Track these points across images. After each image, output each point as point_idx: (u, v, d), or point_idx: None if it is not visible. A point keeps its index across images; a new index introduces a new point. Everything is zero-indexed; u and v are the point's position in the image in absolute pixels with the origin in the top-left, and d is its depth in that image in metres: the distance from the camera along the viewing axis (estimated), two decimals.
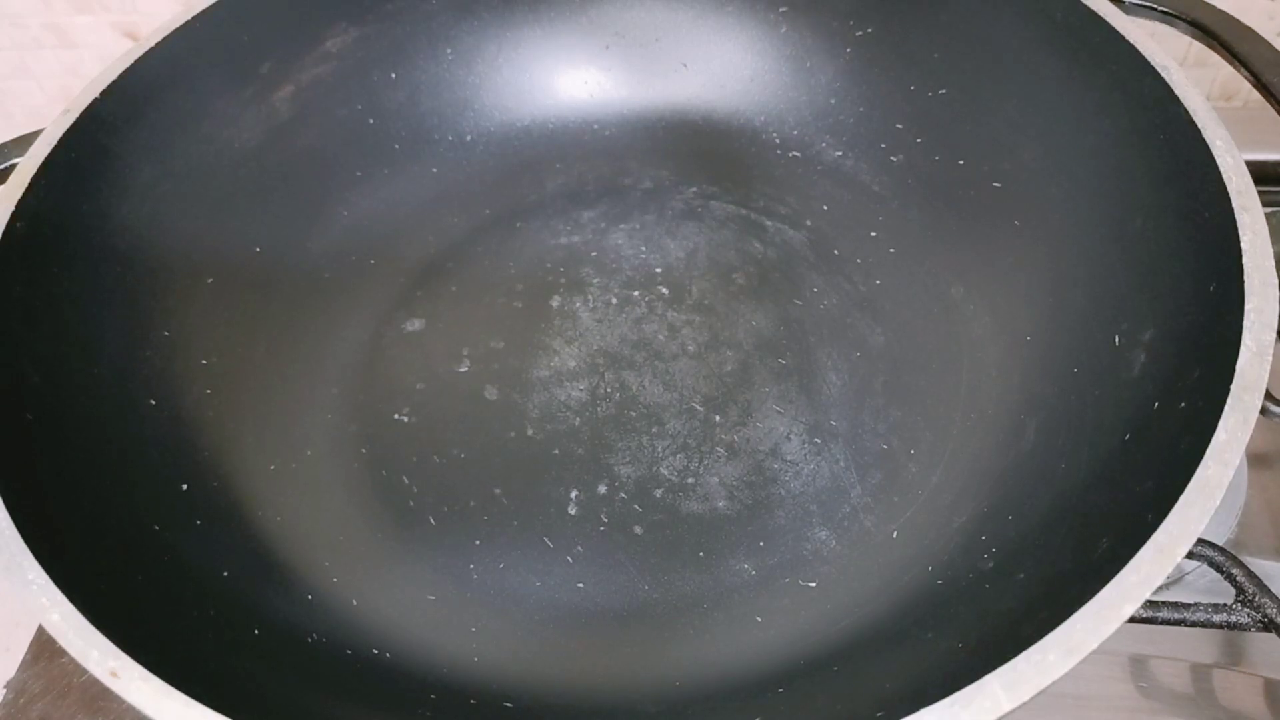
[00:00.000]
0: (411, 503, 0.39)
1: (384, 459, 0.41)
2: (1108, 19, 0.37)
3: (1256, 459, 0.43)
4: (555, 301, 0.46)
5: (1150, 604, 0.29)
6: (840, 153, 0.48)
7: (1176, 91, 0.34)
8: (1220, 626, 0.31)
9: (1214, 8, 0.40)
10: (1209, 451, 0.26)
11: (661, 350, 0.44)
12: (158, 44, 0.41)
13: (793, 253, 0.47)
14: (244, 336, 0.42)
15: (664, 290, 0.46)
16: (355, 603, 0.36)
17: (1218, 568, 0.32)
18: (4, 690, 0.41)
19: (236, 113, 0.43)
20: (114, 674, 0.25)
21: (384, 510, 0.39)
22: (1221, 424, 0.26)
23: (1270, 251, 0.29)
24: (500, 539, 0.38)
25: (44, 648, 0.42)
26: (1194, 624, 0.31)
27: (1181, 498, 0.25)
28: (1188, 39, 0.41)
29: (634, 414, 0.42)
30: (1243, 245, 0.29)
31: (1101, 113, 0.38)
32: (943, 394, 0.40)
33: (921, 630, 0.33)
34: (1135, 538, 0.25)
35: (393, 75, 0.47)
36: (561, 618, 0.36)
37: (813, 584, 0.36)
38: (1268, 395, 0.28)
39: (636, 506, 0.39)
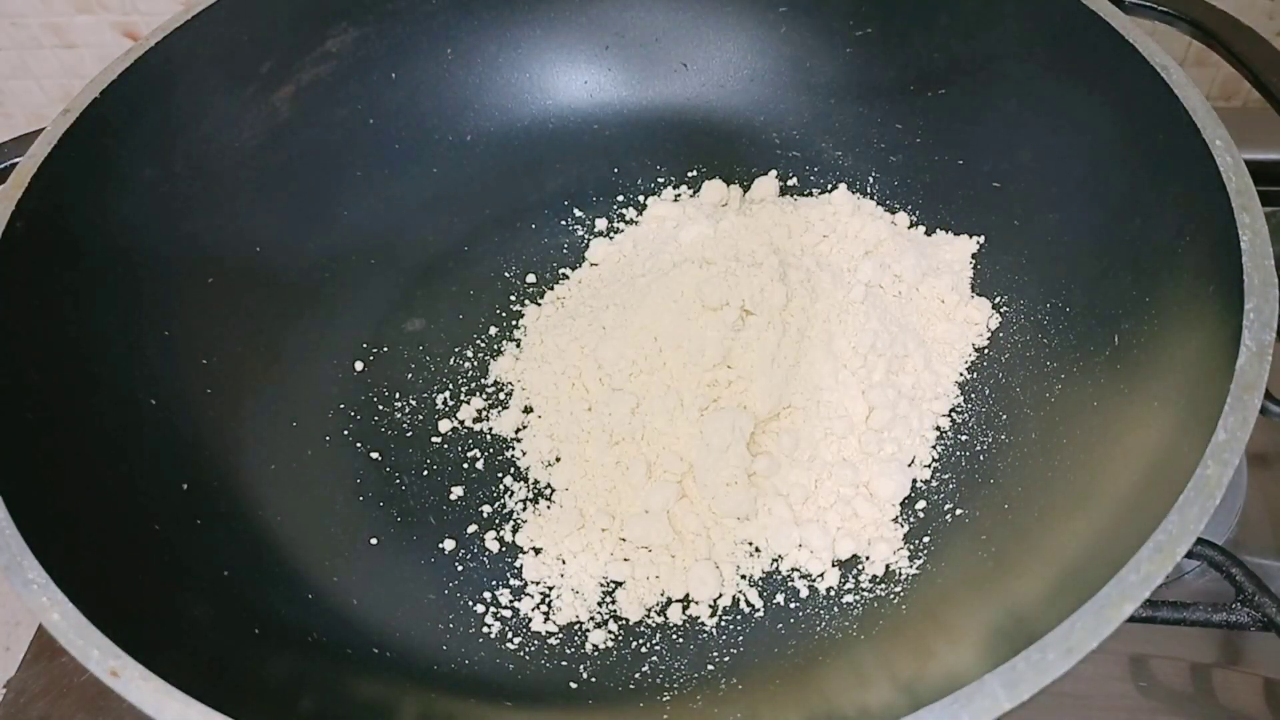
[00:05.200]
0: (411, 503, 0.39)
1: (384, 459, 0.41)
2: (1108, 19, 0.37)
3: (1256, 459, 0.43)
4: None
5: (1150, 604, 0.30)
6: (840, 153, 0.48)
7: (1176, 91, 0.34)
8: (1220, 626, 0.31)
9: (1214, 8, 0.40)
10: (1209, 451, 0.26)
11: None
12: (158, 44, 0.41)
13: None
14: (244, 336, 0.42)
15: None
16: (355, 603, 0.36)
17: (1218, 568, 0.32)
18: (4, 690, 0.41)
19: (236, 113, 0.43)
20: (114, 674, 0.25)
21: (384, 510, 0.39)
22: (1221, 424, 0.26)
23: (1270, 251, 0.29)
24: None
25: (44, 648, 0.42)
26: (1194, 624, 0.31)
27: (1181, 497, 0.25)
28: (1188, 39, 0.41)
29: None
30: (1243, 245, 0.29)
31: (1101, 112, 0.38)
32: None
33: (923, 629, 0.33)
34: (1135, 537, 0.25)
35: (393, 75, 0.47)
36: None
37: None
38: (1268, 395, 0.28)
39: None
